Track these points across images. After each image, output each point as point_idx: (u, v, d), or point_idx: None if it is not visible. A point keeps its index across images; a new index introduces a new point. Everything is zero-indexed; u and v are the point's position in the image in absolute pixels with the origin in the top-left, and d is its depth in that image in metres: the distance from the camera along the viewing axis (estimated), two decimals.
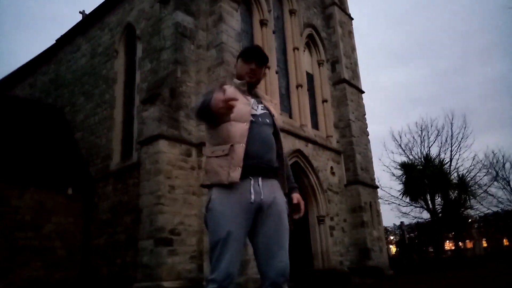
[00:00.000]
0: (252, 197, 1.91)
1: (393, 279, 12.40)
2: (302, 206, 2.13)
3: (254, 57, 2.17)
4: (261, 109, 2.13)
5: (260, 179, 1.96)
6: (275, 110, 2.24)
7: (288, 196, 2.13)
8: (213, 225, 1.91)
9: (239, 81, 2.17)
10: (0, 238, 9.56)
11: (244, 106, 2.03)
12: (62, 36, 14.63)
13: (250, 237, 1.99)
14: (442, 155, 23.90)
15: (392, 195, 25.15)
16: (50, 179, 10.81)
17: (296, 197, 2.16)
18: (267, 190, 1.96)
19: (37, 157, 11.20)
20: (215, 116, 1.88)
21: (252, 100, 2.12)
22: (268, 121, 2.11)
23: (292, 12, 14.29)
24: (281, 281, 1.89)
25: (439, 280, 10.45)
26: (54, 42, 14.92)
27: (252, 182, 1.93)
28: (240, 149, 1.92)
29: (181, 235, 8.53)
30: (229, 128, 1.95)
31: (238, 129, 1.95)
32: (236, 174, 1.89)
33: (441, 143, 24.83)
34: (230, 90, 2.07)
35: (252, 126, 2.00)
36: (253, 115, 2.05)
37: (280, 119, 11.72)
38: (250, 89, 2.19)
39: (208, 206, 1.96)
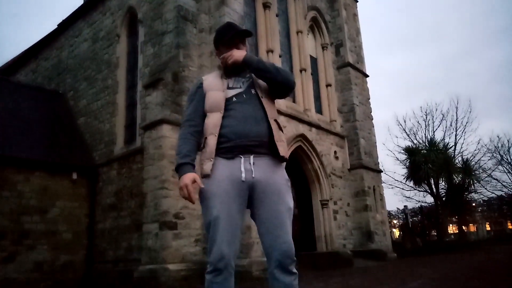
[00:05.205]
0: (243, 175, 1.87)
1: (395, 262, 12.50)
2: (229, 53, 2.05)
3: (236, 37, 2.10)
4: (247, 81, 2.08)
5: (251, 157, 1.90)
6: None
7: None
8: (204, 207, 1.90)
9: (221, 69, 2.13)
10: (8, 222, 9.70)
11: (218, 93, 2.01)
12: (63, 21, 14.50)
13: (253, 218, 1.96)
14: (446, 139, 23.91)
15: (396, 180, 25.30)
16: (55, 164, 10.88)
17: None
18: (260, 169, 1.90)
19: (41, 142, 11.26)
20: None
21: (233, 80, 2.07)
22: (253, 91, 2.04)
23: None
24: (287, 263, 1.82)
25: (441, 261, 10.51)
26: (56, 27, 14.82)
27: (242, 160, 1.89)
28: (212, 140, 1.92)
29: (186, 219, 8.61)
30: (205, 121, 1.99)
31: (211, 120, 1.96)
32: (207, 167, 1.90)
33: (446, 127, 24.80)
34: (209, 80, 2.10)
35: (234, 107, 1.97)
36: (236, 95, 2.01)
37: (283, 102, 11.65)
38: (237, 68, 2.10)
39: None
